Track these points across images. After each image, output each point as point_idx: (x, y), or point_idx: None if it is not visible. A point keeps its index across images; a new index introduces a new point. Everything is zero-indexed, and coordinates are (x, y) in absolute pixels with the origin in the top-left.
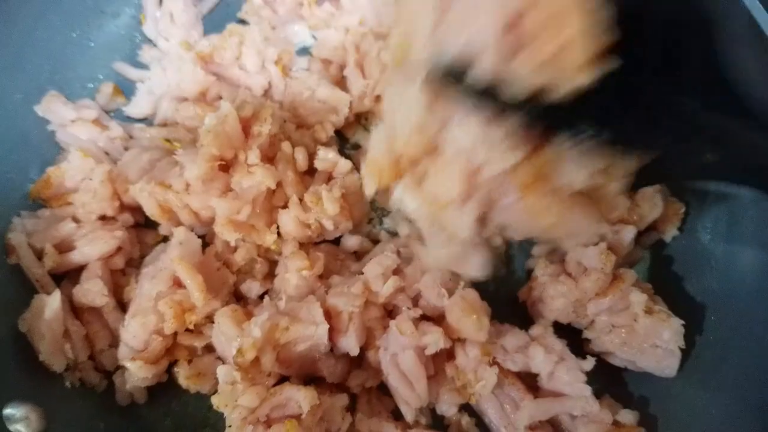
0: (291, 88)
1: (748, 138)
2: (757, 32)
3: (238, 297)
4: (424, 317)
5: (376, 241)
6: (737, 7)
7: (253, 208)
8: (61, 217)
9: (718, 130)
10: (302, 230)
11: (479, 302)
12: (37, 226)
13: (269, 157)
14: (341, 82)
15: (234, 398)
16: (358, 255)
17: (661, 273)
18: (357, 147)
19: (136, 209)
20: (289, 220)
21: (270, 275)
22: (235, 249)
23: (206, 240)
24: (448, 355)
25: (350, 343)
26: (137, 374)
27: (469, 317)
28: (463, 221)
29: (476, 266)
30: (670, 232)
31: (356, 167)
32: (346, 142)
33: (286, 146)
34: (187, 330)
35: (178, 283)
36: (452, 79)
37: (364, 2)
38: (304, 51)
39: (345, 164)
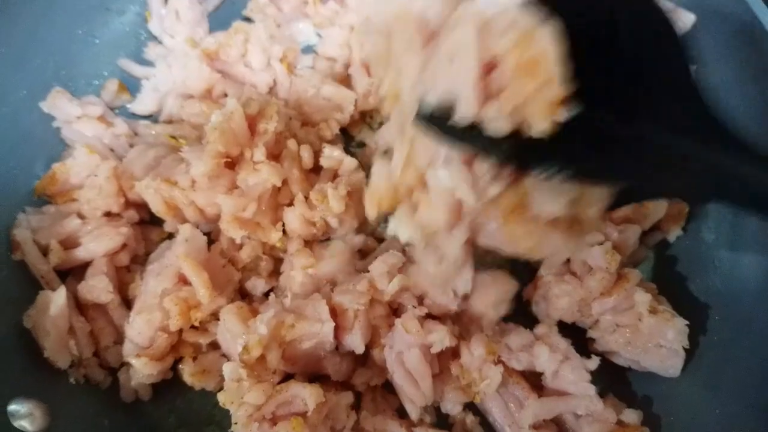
0: (296, 86)
1: (718, 160)
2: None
3: (243, 294)
4: (430, 316)
5: (381, 240)
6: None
7: (259, 205)
8: (67, 214)
9: (685, 158)
10: (307, 228)
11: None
12: (42, 222)
13: (275, 155)
14: (346, 80)
15: (240, 395)
16: (363, 253)
17: (665, 273)
18: (362, 145)
19: (142, 206)
20: (294, 217)
21: (275, 273)
22: (241, 246)
23: (212, 237)
24: (453, 353)
25: (355, 341)
26: (142, 371)
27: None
28: (452, 245)
29: (466, 283)
30: (674, 232)
31: (361, 165)
32: (351, 140)
33: (291, 144)
34: (192, 327)
35: (183, 280)
36: (437, 120)
37: (369, 0)
38: (309, 49)
39: (350, 162)
